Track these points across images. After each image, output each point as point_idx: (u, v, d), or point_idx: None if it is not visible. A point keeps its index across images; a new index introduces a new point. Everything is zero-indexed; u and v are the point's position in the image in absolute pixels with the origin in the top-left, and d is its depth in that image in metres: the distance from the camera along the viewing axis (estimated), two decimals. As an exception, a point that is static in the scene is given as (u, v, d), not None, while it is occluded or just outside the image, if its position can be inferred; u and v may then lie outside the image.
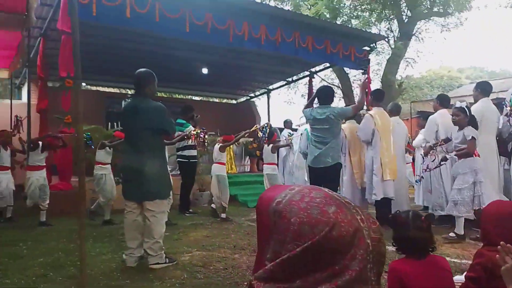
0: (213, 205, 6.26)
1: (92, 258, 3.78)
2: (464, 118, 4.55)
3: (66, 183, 7.00)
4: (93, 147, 6.19)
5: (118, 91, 13.40)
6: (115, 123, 9.68)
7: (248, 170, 11.15)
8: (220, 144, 6.36)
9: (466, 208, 4.44)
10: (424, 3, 13.80)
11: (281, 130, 9.97)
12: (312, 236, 1.16)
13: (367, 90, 5.58)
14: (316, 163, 4.73)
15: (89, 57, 9.28)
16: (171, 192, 5.58)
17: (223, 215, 6.11)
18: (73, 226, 5.53)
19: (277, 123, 13.11)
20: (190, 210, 6.78)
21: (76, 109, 3.34)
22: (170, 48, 9.13)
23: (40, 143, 5.77)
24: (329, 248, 1.19)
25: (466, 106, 4.61)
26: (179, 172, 6.90)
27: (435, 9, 14.22)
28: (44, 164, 5.86)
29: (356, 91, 15.47)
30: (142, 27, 6.74)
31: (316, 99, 4.96)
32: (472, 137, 4.41)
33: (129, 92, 11.87)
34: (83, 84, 12.21)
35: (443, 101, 5.68)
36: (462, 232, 4.53)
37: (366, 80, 5.40)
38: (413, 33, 14.57)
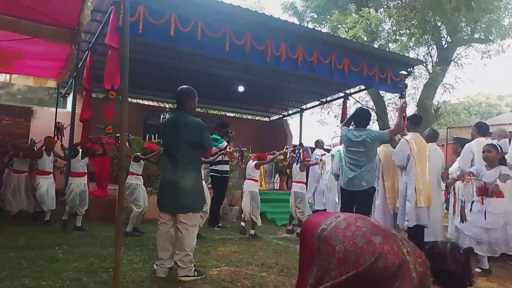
0: (242, 223, 6.28)
1: (124, 266, 3.89)
2: (496, 155, 4.45)
3: (103, 190, 7.25)
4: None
5: (157, 104, 13.83)
6: (152, 135, 9.99)
7: (278, 187, 11.16)
8: (256, 161, 6.43)
9: (492, 247, 4.36)
10: (464, 29, 13.57)
11: (312, 149, 9.96)
12: (358, 265, 1.18)
13: (404, 114, 5.52)
14: (350, 186, 4.70)
15: (131, 71, 9.67)
16: (207, 206, 5.76)
17: (252, 232, 6.14)
18: (107, 232, 5.74)
19: (308, 142, 13.09)
20: (220, 224, 6.86)
21: (122, 121, 3.52)
22: (208, 65, 9.43)
23: (80, 150, 6.03)
24: (374, 278, 1.20)
25: (498, 144, 4.53)
26: (210, 186, 7.03)
27: (476, 36, 13.94)
28: (85, 171, 6.11)
29: (391, 114, 15.30)
30: (184, 45, 7.01)
31: (352, 121, 4.94)
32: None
33: (167, 106, 12.27)
34: (125, 96, 12.65)
35: (481, 129, 5.54)
36: (487, 267, 4.39)
37: (404, 105, 5.34)
38: (452, 58, 14.30)
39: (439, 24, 12.34)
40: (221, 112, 15.43)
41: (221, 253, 4.87)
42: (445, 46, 13.70)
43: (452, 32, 13.11)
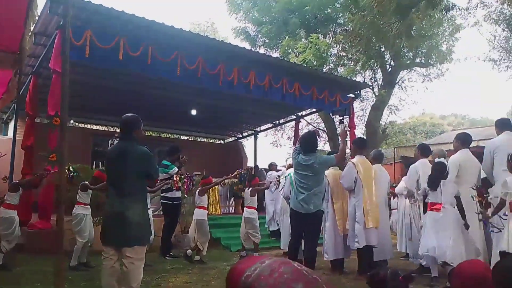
0: (188, 252, 6.18)
1: (67, 304, 3.66)
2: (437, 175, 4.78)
3: (45, 221, 6.83)
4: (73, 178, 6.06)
5: (106, 129, 13.40)
6: (100, 162, 9.63)
7: (233, 211, 11.06)
8: (200, 188, 6.36)
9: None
10: (407, 55, 14.44)
11: (266, 171, 10.03)
12: None
13: (347, 139, 5.72)
14: (298, 207, 4.75)
15: (78, 95, 9.36)
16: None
17: (197, 258, 6.06)
18: (49, 267, 5.36)
19: (263, 164, 13.20)
20: (171, 253, 6.65)
21: (60, 149, 3.37)
22: (160, 89, 9.30)
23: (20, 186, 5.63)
24: None
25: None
26: (162, 213, 6.84)
27: (417, 60, 14.87)
28: (17, 203, 5.65)
29: (342, 136, 15.79)
30: (134, 69, 6.90)
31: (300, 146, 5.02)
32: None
33: (117, 130, 11.92)
34: (71, 121, 12.22)
35: (423, 151, 5.84)
36: (436, 275, 4.58)
37: (345, 129, 5.55)
38: (396, 82, 15.12)
39: (383, 49, 13.04)
40: (175, 136, 15.22)
41: (172, 284, 4.71)
42: (389, 70, 14.48)
43: (395, 57, 13.91)
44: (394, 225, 7.78)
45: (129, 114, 3.49)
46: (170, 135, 15.12)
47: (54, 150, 6.15)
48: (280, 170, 9.65)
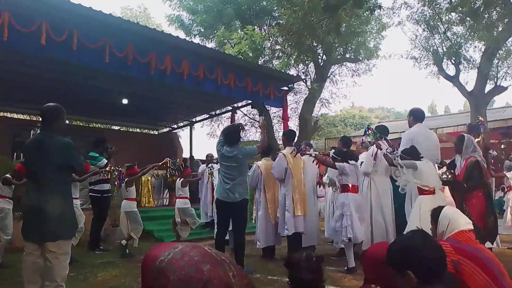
0: (123, 241, 6.04)
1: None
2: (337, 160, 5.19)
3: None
4: None
5: (28, 118, 12.50)
6: (21, 154, 8.99)
7: (167, 203, 10.92)
8: (126, 179, 6.20)
9: (337, 237, 5.06)
10: (337, 50, 15.07)
11: (203, 162, 10.03)
12: None
13: (266, 130, 5.92)
14: (224, 197, 4.88)
15: (-2, 81, 8.67)
16: (81, 224, 5.37)
17: (127, 251, 5.97)
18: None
19: (199, 155, 13.15)
20: (101, 247, 6.45)
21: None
22: (88, 77, 8.84)
23: None
24: None
25: (334, 152, 5.35)
26: (90, 207, 6.60)
27: (347, 56, 15.59)
28: None
29: (276, 127, 16.19)
30: (58, 55, 6.51)
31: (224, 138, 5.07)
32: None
33: (40, 119, 11.18)
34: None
35: (344, 142, 6.23)
36: (353, 265, 4.88)
37: (264, 122, 5.75)
38: (328, 76, 15.75)
39: (315, 44, 13.51)
40: (105, 125, 14.61)
41: (101, 278, 4.61)
42: (321, 64, 15.03)
43: (327, 52, 14.46)
44: (322, 213, 8.19)
45: (50, 104, 3.32)
46: (100, 125, 14.48)
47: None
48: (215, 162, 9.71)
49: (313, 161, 5.63)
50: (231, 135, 4.99)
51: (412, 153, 4.54)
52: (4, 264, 5.17)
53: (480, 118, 5.91)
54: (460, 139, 4.72)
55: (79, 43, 6.35)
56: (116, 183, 6.21)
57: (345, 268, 4.91)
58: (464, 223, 2.48)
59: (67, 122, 12.59)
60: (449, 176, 4.54)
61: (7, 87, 9.29)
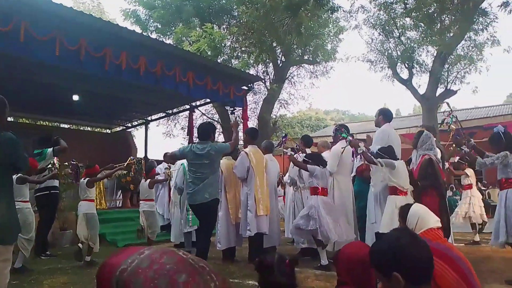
0: (80, 245, 5.58)
1: None
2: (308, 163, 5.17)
3: None
4: None
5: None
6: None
7: (120, 205, 10.45)
8: (87, 178, 5.76)
9: (298, 235, 5.11)
10: (296, 51, 15.20)
11: (159, 162, 9.66)
12: None
13: (239, 129, 5.80)
14: (193, 200, 4.70)
15: None
16: (32, 233, 4.96)
17: (88, 258, 5.51)
18: None
19: (155, 155, 12.73)
20: (48, 253, 6.00)
21: None
22: (36, 72, 8.22)
23: None
24: None
25: (306, 155, 5.33)
26: (36, 209, 6.11)
27: (306, 57, 15.78)
28: None
29: (235, 127, 16.06)
30: (2, 48, 5.97)
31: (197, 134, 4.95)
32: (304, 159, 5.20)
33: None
34: None
35: (306, 142, 6.19)
36: (327, 262, 4.88)
37: (236, 119, 5.64)
38: (287, 77, 15.85)
39: (275, 44, 13.53)
40: (54, 124, 13.78)
41: (48, 286, 4.26)
42: (280, 65, 15.09)
43: (286, 53, 14.54)
44: (281, 212, 8.15)
45: (-9, 95, 2.98)
46: (48, 123, 13.64)
47: None
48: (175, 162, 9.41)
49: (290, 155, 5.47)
50: (203, 130, 4.87)
51: (390, 153, 4.51)
52: None
53: (449, 107, 5.92)
54: (418, 134, 4.81)
55: (27, 35, 5.86)
56: (70, 180, 5.75)
57: (319, 265, 4.91)
58: (433, 221, 2.46)
59: (11, 119, 11.80)
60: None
61: None
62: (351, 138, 4.96)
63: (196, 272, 1.09)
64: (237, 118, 5.86)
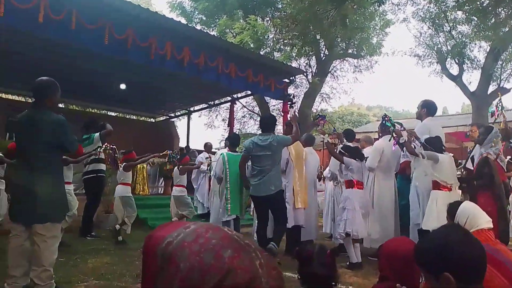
0: (117, 226, 5.87)
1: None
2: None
3: None
4: None
5: (22, 100, 12.25)
6: (14, 134, 8.77)
7: (162, 192, 10.75)
8: (124, 163, 6.04)
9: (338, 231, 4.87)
10: (340, 44, 14.88)
11: (200, 152, 9.84)
12: (202, 286, 0.99)
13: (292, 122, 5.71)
14: (257, 191, 4.76)
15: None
16: (73, 210, 5.21)
17: (120, 238, 5.78)
18: None
19: (196, 145, 12.96)
20: (93, 233, 6.28)
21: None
22: (86, 60, 8.60)
23: None
24: None
25: (341, 147, 5.15)
26: (84, 192, 6.41)
27: (350, 51, 15.40)
28: None
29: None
30: (55, 35, 6.28)
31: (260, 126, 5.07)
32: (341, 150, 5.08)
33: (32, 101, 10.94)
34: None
35: (348, 135, 6.07)
36: (355, 260, 4.76)
37: (295, 113, 5.65)
38: (329, 70, 15.57)
39: (318, 37, 13.30)
40: (102, 111, 14.36)
41: (92, 265, 4.44)
42: (323, 59, 14.83)
43: (329, 46, 14.26)
44: (320, 207, 8.06)
45: (43, 78, 3.14)
46: (96, 111, 14.23)
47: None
48: (215, 151, 9.53)
49: (326, 142, 5.31)
50: (265, 122, 5.02)
51: (436, 144, 4.30)
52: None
53: (500, 96, 5.51)
54: (488, 129, 4.53)
55: (78, 23, 6.12)
56: (109, 162, 6.01)
57: (347, 263, 4.78)
58: (484, 221, 2.32)
59: (62, 105, 12.34)
60: (464, 173, 4.37)
61: (1, 67, 9.05)
62: (396, 126, 4.72)
63: (241, 248, 1.08)
64: (296, 111, 5.83)
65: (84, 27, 6.18)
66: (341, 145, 5.24)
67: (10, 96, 12.18)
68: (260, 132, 5.04)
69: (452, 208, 2.42)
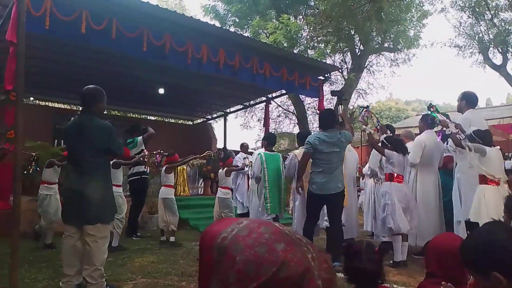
0: (171, 239, 6.04)
1: (26, 286, 3.50)
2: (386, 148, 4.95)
3: (4, 202, 6.52)
4: (38, 169, 5.89)
5: (68, 107, 12.88)
6: (62, 140, 9.24)
7: (202, 192, 10.96)
8: (166, 165, 6.21)
9: (382, 228, 4.77)
10: (375, 39, 14.58)
11: (236, 153, 9.95)
12: (258, 277, 1.04)
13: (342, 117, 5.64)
14: (326, 190, 4.62)
15: (39, 71, 8.93)
16: (123, 214, 5.45)
17: (172, 239, 5.91)
18: (7, 249, 5.14)
19: (233, 145, 13.11)
20: (138, 234, 6.52)
21: (17, 126, 3.17)
22: (126, 66, 8.95)
23: None
24: None
25: (385, 137, 5.02)
26: (128, 194, 6.66)
27: (386, 45, 15.06)
28: None
29: (310, 118, 15.95)
30: (97, 44, 6.57)
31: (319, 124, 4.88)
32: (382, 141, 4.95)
33: (80, 109, 11.45)
34: (31, 98, 11.66)
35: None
36: (400, 258, 4.67)
37: (344, 110, 5.51)
38: (365, 66, 15.29)
39: (353, 33, 13.11)
40: (141, 116, 14.83)
41: (138, 264, 4.61)
42: (358, 54, 14.59)
43: (364, 41, 14.02)
44: (361, 205, 7.95)
45: (90, 86, 3.32)
46: (136, 115, 14.71)
47: (11, 127, 5.84)
48: (252, 152, 9.61)
49: (369, 132, 5.22)
50: (328, 117, 4.82)
51: (485, 137, 4.13)
52: (52, 245, 5.38)
53: None
54: None
55: (118, 32, 6.37)
56: (155, 167, 6.23)
57: (391, 261, 4.70)
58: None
59: (105, 112, 12.83)
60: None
61: (48, 76, 9.56)
62: (441, 117, 4.54)
63: (293, 242, 1.12)
64: (342, 108, 5.69)
65: (124, 35, 6.42)
66: (384, 135, 5.10)
67: (56, 104, 12.83)
68: (319, 129, 4.78)
69: (509, 202, 2.32)
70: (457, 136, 4.23)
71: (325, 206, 4.94)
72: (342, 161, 4.83)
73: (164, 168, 6.18)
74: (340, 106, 5.94)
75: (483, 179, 4.04)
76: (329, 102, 16.04)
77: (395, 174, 4.76)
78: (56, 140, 9.67)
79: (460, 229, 4.46)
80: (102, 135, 3.18)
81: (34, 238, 5.63)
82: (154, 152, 6.17)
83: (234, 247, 1.12)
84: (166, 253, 5.33)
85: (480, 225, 1.50)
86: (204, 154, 7.25)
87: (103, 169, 3.26)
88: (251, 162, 7.54)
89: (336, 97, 9.04)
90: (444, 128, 4.40)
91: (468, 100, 4.89)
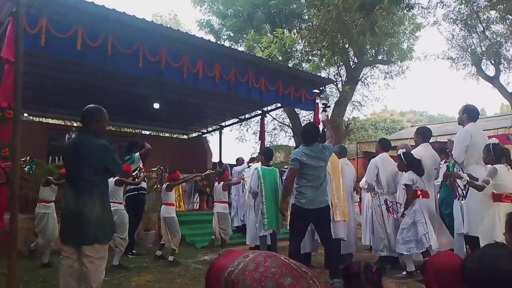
0: (170, 258, 5.92)
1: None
2: (402, 164, 4.90)
3: (-1, 221, 6.42)
4: (31, 172, 5.81)
5: (62, 123, 12.81)
6: (56, 157, 9.17)
7: (197, 207, 10.88)
8: (167, 183, 6.15)
9: (407, 246, 4.66)
10: (369, 52, 14.73)
11: (232, 166, 9.91)
12: None
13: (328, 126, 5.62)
14: (317, 204, 4.53)
15: (33, 87, 8.89)
16: (125, 233, 5.39)
17: (171, 258, 5.81)
18: (2, 269, 5.04)
19: (228, 159, 13.09)
20: (134, 251, 6.42)
21: (14, 144, 3.14)
22: (121, 82, 8.95)
23: None
24: None
25: (403, 153, 4.89)
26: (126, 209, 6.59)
27: (380, 57, 15.23)
28: None
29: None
30: (93, 60, 6.56)
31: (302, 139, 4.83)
32: (405, 184, 4.76)
33: (74, 124, 11.40)
34: (25, 114, 11.60)
35: (384, 145, 5.95)
36: (413, 268, 4.69)
37: (328, 117, 5.51)
38: (360, 78, 15.42)
39: (347, 46, 13.24)
40: (136, 130, 14.79)
41: (135, 283, 4.54)
42: (352, 67, 14.72)
43: (359, 53, 14.16)
44: (357, 218, 7.90)
45: (91, 105, 3.29)
46: (131, 130, 14.67)
47: (6, 145, 5.77)
48: (250, 165, 9.58)
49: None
50: (311, 130, 4.74)
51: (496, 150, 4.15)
52: (49, 264, 5.29)
53: None
54: None
55: (114, 48, 6.36)
56: (155, 184, 6.18)
57: (404, 273, 4.76)
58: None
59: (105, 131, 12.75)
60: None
61: (43, 92, 9.54)
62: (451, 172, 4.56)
63: (299, 276, 1.12)
64: (328, 115, 5.69)
65: (120, 51, 6.41)
66: (402, 150, 5.09)
67: (50, 120, 12.76)
68: (303, 143, 4.70)
69: (511, 219, 2.31)
70: (473, 182, 4.26)
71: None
72: (326, 175, 4.80)
73: (165, 185, 6.11)
74: (324, 112, 5.92)
75: (496, 197, 4.01)
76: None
77: (419, 190, 4.77)
78: (50, 157, 9.59)
79: (461, 240, 4.48)
80: (100, 155, 3.14)
81: (30, 256, 5.54)
82: (154, 169, 6.14)
83: (241, 282, 1.11)
84: (162, 271, 5.24)
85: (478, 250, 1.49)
86: (206, 172, 7.23)
87: (100, 189, 3.22)
88: (244, 177, 7.52)
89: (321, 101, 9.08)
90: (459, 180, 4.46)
91: (470, 114, 4.92)
